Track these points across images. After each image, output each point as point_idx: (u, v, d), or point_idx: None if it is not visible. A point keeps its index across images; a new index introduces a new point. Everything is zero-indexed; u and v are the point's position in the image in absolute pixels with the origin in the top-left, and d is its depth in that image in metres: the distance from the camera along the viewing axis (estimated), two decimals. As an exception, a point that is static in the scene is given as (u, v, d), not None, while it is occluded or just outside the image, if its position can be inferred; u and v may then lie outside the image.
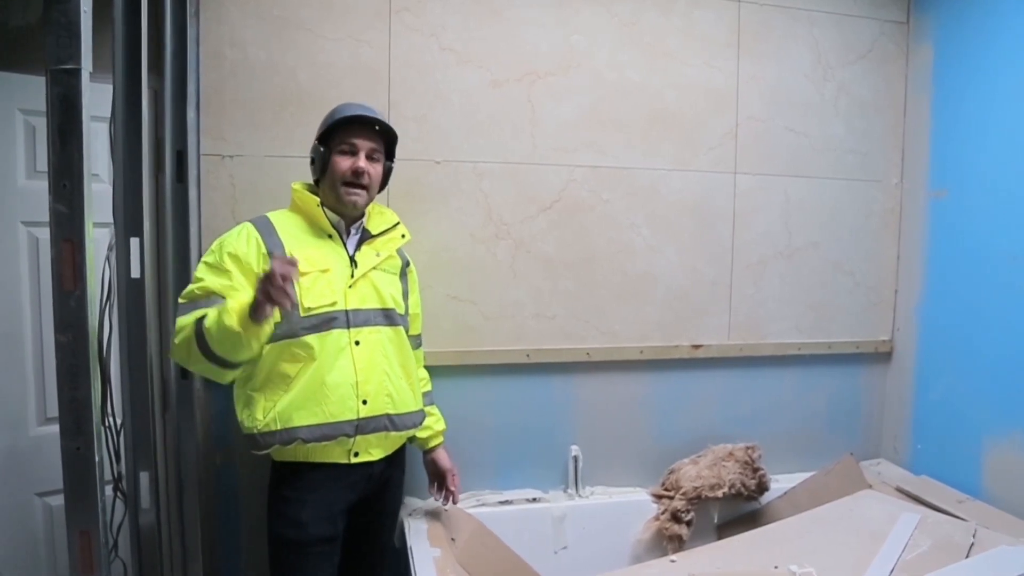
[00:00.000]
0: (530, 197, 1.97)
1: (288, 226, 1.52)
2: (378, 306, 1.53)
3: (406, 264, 1.68)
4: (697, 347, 2.12)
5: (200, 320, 1.33)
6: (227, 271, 1.41)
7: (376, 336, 1.51)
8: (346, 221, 1.55)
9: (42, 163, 1.59)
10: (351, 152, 1.50)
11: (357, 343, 1.48)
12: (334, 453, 1.47)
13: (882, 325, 2.29)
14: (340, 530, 1.50)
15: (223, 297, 1.37)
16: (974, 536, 1.63)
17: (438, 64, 1.89)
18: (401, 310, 1.59)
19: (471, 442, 1.95)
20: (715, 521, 2.02)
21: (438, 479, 1.74)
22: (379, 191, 1.61)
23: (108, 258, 1.52)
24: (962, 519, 1.76)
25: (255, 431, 1.42)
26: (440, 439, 1.74)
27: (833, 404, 2.26)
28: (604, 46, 2.00)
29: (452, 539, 1.72)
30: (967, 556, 1.54)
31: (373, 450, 1.51)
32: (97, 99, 1.43)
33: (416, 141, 1.87)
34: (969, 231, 2.02)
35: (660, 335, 2.09)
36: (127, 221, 1.48)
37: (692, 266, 2.11)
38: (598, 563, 1.92)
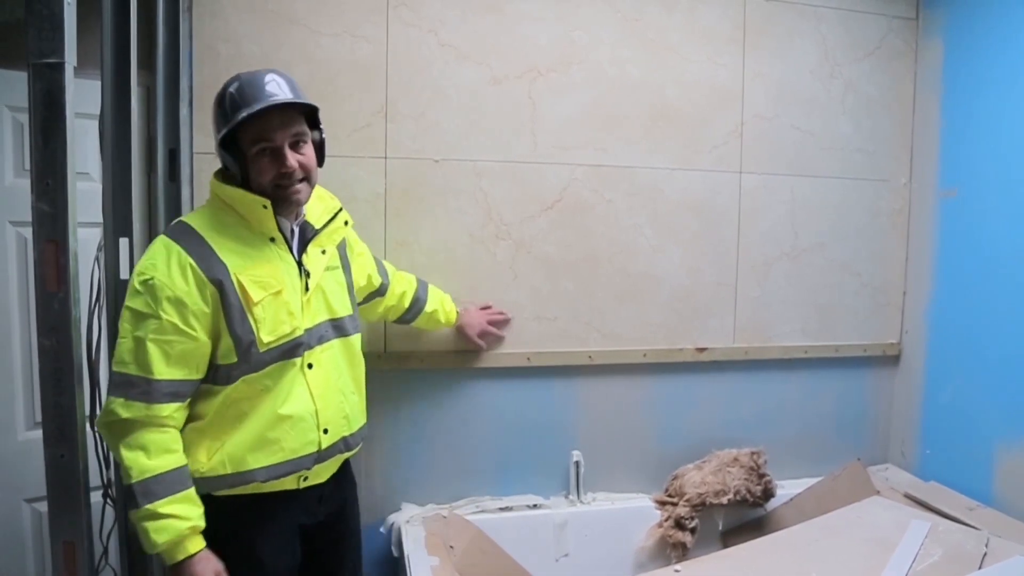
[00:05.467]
0: (531, 196, 1.93)
1: (221, 237, 1.24)
2: (327, 318, 1.34)
3: (343, 241, 1.43)
4: (701, 350, 2.07)
5: (142, 478, 1.15)
6: (177, 329, 1.16)
7: (328, 354, 1.33)
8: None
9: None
10: (271, 153, 1.22)
11: (310, 366, 1.29)
12: (286, 482, 1.29)
13: (890, 327, 2.24)
14: (299, 556, 1.35)
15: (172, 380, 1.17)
16: (987, 545, 1.59)
17: (436, 60, 1.85)
18: (350, 311, 1.41)
19: (470, 447, 1.91)
20: (720, 528, 1.98)
21: (480, 324, 1.80)
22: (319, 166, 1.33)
23: (97, 259, 1.49)
24: (974, 527, 1.72)
25: (197, 475, 1.22)
26: (456, 312, 1.79)
27: (840, 408, 2.21)
28: (606, 42, 1.95)
29: (451, 547, 1.68)
30: (980, 567, 1.51)
31: (323, 472, 1.36)
32: (87, 95, 1.41)
33: (414, 139, 1.83)
34: (979, 231, 1.98)
35: (663, 337, 2.05)
36: (116, 221, 1.45)
37: (696, 267, 2.06)
38: (600, 571, 1.90)
